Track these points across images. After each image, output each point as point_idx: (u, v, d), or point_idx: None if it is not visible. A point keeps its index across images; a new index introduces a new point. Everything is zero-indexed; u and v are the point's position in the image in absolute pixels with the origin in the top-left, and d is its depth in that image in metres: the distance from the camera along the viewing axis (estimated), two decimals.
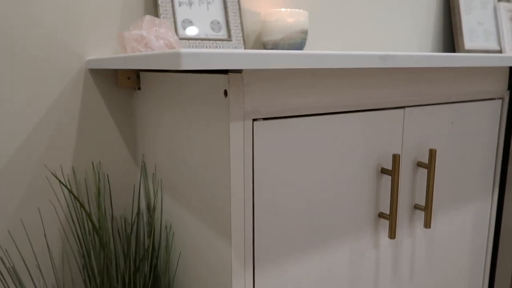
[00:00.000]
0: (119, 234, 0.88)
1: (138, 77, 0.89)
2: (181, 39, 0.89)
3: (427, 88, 0.78)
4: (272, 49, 0.99)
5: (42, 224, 0.83)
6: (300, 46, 1.00)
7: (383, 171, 0.74)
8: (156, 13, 0.88)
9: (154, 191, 0.85)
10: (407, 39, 1.38)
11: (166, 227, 0.82)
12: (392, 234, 0.73)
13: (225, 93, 0.56)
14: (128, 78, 0.89)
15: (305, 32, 0.99)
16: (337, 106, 0.66)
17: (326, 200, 0.68)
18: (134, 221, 0.87)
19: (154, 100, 0.81)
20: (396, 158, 0.71)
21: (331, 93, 0.65)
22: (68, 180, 0.85)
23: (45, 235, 0.84)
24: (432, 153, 0.76)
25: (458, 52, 1.40)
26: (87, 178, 0.88)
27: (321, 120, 0.64)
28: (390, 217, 0.73)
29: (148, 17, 0.80)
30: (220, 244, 0.62)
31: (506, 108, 0.92)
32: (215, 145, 0.60)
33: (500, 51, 1.51)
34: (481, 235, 0.96)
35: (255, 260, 0.62)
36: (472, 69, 0.85)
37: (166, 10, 0.88)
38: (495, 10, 1.51)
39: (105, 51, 0.88)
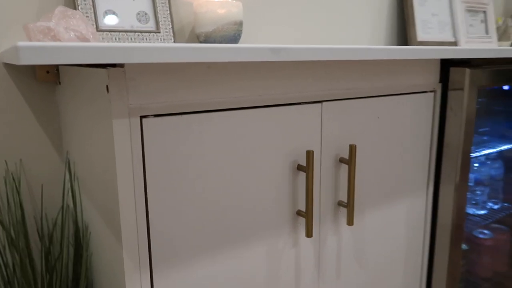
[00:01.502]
0: (38, 234, 0.85)
1: (58, 70, 0.86)
2: (102, 31, 0.86)
3: (350, 81, 0.76)
4: (204, 41, 0.96)
5: None
6: (234, 38, 0.97)
7: (300, 168, 0.72)
8: (74, 5, 0.85)
9: (73, 190, 0.82)
10: (359, 30, 1.35)
11: (84, 226, 0.80)
12: (309, 233, 0.71)
13: (107, 88, 0.53)
14: (48, 72, 0.86)
15: (238, 24, 0.96)
16: (241, 101, 0.63)
17: (235, 198, 0.65)
18: (55, 222, 0.84)
19: (71, 95, 0.78)
20: (309, 154, 0.69)
21: (233, 87, 0.62)
22: None
23: None
24: (352, 149, 0.74)
25: (411, 44, 1.38)
26: (7, 176, 0.84)
27: (222, 116, 0.62)
28: (306, 215, 0.71)
29: (60, 8, 0.77)
30: (116, 246, 0.60)
31: (438, 101, 0.90)
32: (104, 143, 0.57)
33: (455, 43, 1.49)
34: (416, 231, 0.95)
35: (152, 262, 0.60)
36: (401, 61, 0.83)
37: (84, 0, 0.84)
38: (450, 0, 1.49)
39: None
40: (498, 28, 1.70)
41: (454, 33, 1.49)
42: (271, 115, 0.67)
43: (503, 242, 1.23)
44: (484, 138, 1.22)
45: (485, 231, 1.21)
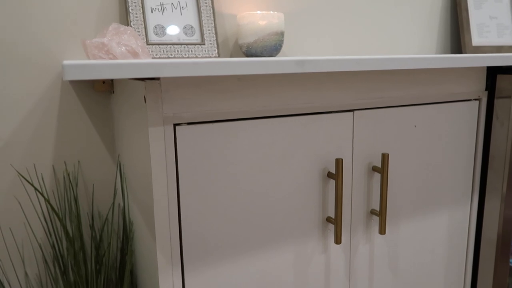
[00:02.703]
0: (90, 228, 0.94)
1: (112, 81, 0.94)
2: (151, 44, 0.93)
3: (383, 90, 0.76)
4: (246, 51, 1.00)
5: (25, 215, 0.91)
6: (275, 48, 1.00)
7: (330, 175, 0.73)
8: (127, 20, 0.93)
9: (123, 190, 0.90)
10: (407, 39, 1.33)
11: (130, 223, 0.87)
12: (338, 239, 0.72)
13: (144, 99, 0.58)
14: (103, 82, 0.94)
15: (279, 34, 0.99)
16: (272, 110, 0.66)
17: (264, 203, 0.68)
18: (105, 219, 0.92)
19: (122, 103, 0.86)
20: (339, 162, 0.70)
21: (263, 97, 0.65)
22: (43, 180, 0.91)
23: (30, 225, 0.91)
24: (385, 158, 0.74)
25: (465, 49, 1.32)
26: (65, 177, 0.94)
27: (253, 124, 0.65)
28: (336, 221, 0.72)
29: (114, 25, 0.85)
30: (151, 244, 0.65)
31: (484, 109, 0.86)
32: (143, 149, 0.63)
33: None
34: (458, 244, 0.92)
35: (183, 261, 0.64)
36: (442, 70, 0.81)
37: (136, 17, 0.92)
38: (511, 2, 1.41)
39: (82, 56, 0.93)
40: None
41: None
42: (302, 123, 0.69)
43: None
44: None
45: None
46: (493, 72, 0.85)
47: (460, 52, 1.45)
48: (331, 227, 0.75)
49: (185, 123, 0.61)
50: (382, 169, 0.75)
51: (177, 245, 0.63)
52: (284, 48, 1.14)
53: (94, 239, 0.86)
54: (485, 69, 0.86)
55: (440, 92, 0.82)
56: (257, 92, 0.65)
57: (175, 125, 0.60)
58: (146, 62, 0.48)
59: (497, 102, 0.84)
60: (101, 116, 0.97)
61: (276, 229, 0.70)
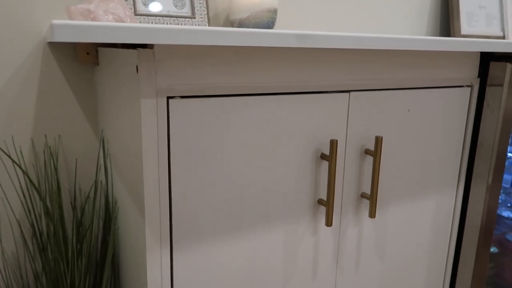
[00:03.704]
0: (71, 205, 0.90)
1: (97, 52, 0.90)
2: (139, 15, 0.88)
3: (380, 72, 0.74)
4: (238, 27, 0.97)
5: (2, 189, 0.86)
6: (267, 25, 0.97)
7: (323, 157, 0.72)
8: None
9: (106, 166, 0.86)
10: (400, 22, 1.32)
11: (113, 201, 0.84)
12: (328, 222, 0.71)
13: (137, 68, 0.55)
14: (88, 53, 0.90)
15: (272, 11, 0.96)
16: (267, 87, 0.64)
17: (256, 182, 0.67)
18: (87, 196, 0.88)
19: (108, 76, 0.82)
20: (333, 144, 0.69)
21: (259, 73, 0.63)
22: (21, 153, 0.87)
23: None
24: (378, 141, 0.73)
25: (454, 37, 1.32)
26: (45, 150, 0.90)
27: (248, 101, 0.63)
28: (327, 204, 0.71)
29: None
30: (139, 222, 0.62)
31: (475, 96, 0.87)
32: (133, 122, 0.60)
33: (503, 38, 1.42)
34: (442, 230, 0.93)
35: (172, 239, 0.62)
36: (437, 54, 0.80)
37: None
38: None
39: None
40: None
41: (503, 27, 1.42)
42: (297, 102, 0.67)
43: None
44: None
45: None
46: (486, 59, 0.85)
47: None
48: (322, 209, 0.74)
49: (178, 96, 0.58)
50: (375, 152, 0.74)
51: (166, 223, 0.61)
52: (275, 27, 1.11)
53: (76, 217, 0.83)
54: (479, 55, 0.85)
55: (434, 77, 0.81)
56: (253, 68, 0.62)
57: (168, 98, 0.57)
58: (144, 27, 0.45)
59: (488, 90, 0.85)
60: (84, 89, 0.92)
61: (268, 210, 0.69)
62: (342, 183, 0.76)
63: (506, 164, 1.13)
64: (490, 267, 1.08)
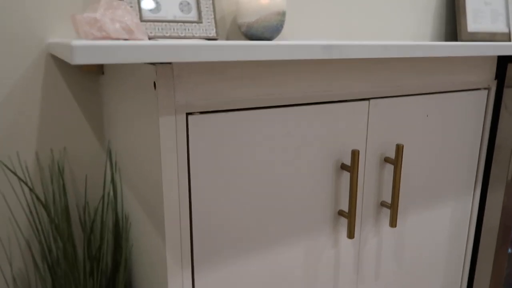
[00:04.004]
0: (80, 222, 0.87)
1: None
2: (145, 21, 0.85)
3: (398, 78, 0.72)
4: (246, 31, 0.94)
5: (9, 208, 0.83)
6: (276, 28, 0.94)
7: (343, 167, 0.70)
8: None
9: (114, 180, 0.83)
10: (405, 20, 1.29)
11: (124, 217, 0.81)
12: (351, 234, 0.69)
13: (154, 85, 0.52)
14: None
15: (281, 14, 0.94)
16: (286, 98, 0.61)
17: (277, 196, 0.64)
18: (96, 210, 0.85)
19: (115, 86, 0.78)
20: (355, 154, 0.66)
21: (280, 85, 0.60)
22: (27, 169, 0.84)
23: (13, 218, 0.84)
24: (399, 149, 0.71)
25: (460, 35, 1.31)
26: (51, 164, 0.86)
27: (267, 113, 0.60)
28: (349, 215, 0.69)
29: None
30: (158, 242, 0.60)
31: (492, 99, 0.85)
32: (149, 138, 0.57)
33: (509, 34, 1.40)
34: (460, 234, 0.91)
35: (194, 260, 0.60)
36: (456, 58, 0.78)
37: None
38: None
39: (67, 34, 0.85)
40: None
41: (508, 23, 1.40)
42: (317, 112, 0.65)
43: None
44: None
45: None
46: (503, 61, 0.83)
47: (455, 38, 1.43)
48: (343, 220, 0.72)
49: (198, 112, 0.56)
50: (396, 160, 0.72)
51: (187, 244, 0.59)
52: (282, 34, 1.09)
53: (86, 234, 0.80)
54: (496, 58, 0.83)
55: (451, 81, 0.79)
56: (274, 80, 0.60)
57: (187, 114, 0.55)
58: (166, 45, 0.42)
59: (506, 91, 0.83)
60: (89, 99, 0.89)
61: (289, 224, 0.67)
62: (362, 192, 0.74)
63: None
64: (506, 267, 1.06)
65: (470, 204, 0.90)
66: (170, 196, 0.55)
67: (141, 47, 0.40)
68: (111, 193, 0.85)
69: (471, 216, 0.91)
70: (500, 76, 0.84)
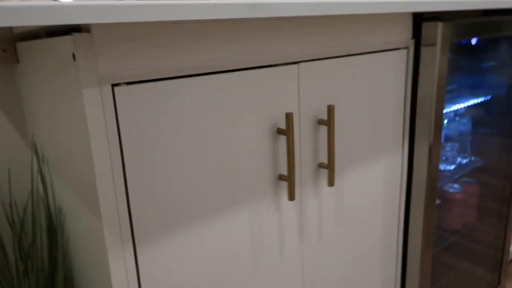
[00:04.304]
0: (8, 221, 0.81)
1: (16, 49, 0.80)
2: None
3: (325, 40, 0.74)
4: None
5: None
6: None
7: (279, 131, 0.71)
8: None
9: (42, 173, 0.78)
10: None
11: (57, 210, 0.76)
12: (291, 196, 0.71)
13: (73, 56, 0.49)
14: (4, 50, 0.80)
15: None
16: (215, 65, 0.61)
17: (215, 165, 0.64)
18: (25, 207, 0.80)
19: (33, 73, 0.73)
20: (289, 117, 0.68)
21: (207, 51, 0.59)
22: None
23: None
24: (331, 109, 0.74)
25: None
26: None
27: (197, 81, 0.59)
28: (289, 178, 0.70)
29: None
30: (95, 224, 0.57)
31: (412, 57, 0.90)
32: (75, 117, 0.54)
33: None
34: (393, 188, 0.97)
35: (134, 236, 0.58)
36: (374, 17, 0.82)
37: None
38: None
39: None
40: None
41: None
42: (247, 78, 0.65)
43: (472, 195, 1.28)
44: (452, 94, 1.25)
45: (455, 185, 1.26)
46: (418, 21, 0.88)
47: None
48: (283, 184, 0.73)
49: (124, 83, 0.53)
50: (328, 121, 0.74)
51: (126, 221, 0.56)
52: None
53: (15, 234, 0.74)
54: (411, 17, 0.88)
55: (373, 41, 0.83)
56: (202, 46, 0.59)
57: (113, 85, 0.52)
58: (77, 5, 0.39)
59: (423, 50, 0.88)
60: (5, 91, 0.82)
61: (229, 192, 0.67)
62: (300, 155, 0.76)
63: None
64: (435, 217, 1.15)
65: (400, 158, 0.96)
66: (103, 173, 0.53)
67: (46, 7, 0.37)
68: (40, 187, 0.80)
69: (402, 170, 0.97)
70: (416, 35, 0.89)
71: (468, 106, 1.21)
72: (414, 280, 1.03)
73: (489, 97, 1.23)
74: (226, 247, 0.68)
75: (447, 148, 1.23)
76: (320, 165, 0.79)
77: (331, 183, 0.77)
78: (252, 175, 0.69)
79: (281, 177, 0.73)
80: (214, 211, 0.65)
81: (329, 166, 0.76)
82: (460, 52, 1.17)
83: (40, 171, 0.79)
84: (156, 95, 0.56)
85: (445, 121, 1.21)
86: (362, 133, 0.85)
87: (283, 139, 0.71)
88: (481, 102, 1.23)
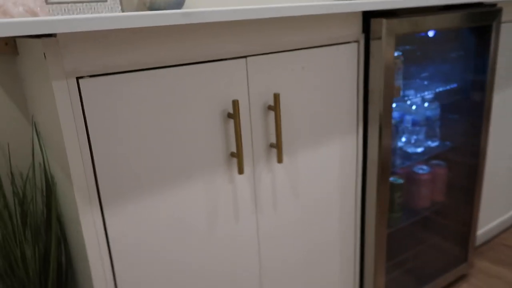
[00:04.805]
0: (13, 189, 0.97)
1: (16, 42, 0.95)
2: (51, 3, 0.94)
3: (271, 37, 0.85)
4: (149, 8, 1.04)
5: None
6: (177, 3, 1.05)
7: (230, 115, 0.83)
8: None
9: (41, 147, 0.94)
10: None
11: (51, 177, 0.92)
12: (240, 170, 0.84)
13: (44, 55, 0.63)
14: (6, 44, 0.95)
15: None
16: (167, 61, 0.73)
17: (172, 145, 0.77)
18: (27, 177, 0.96)
19: (27, 64, 0.88)
20: (235, 104, 0.80)
21: (162, 49, 0.72)
22: None
23: None
24: (276, 97, 0.85)
25: None
26: None
27: (152, 74, 0.72)
28: (238, 155, 0.83)
29: None
30: (69, 188, 0.72)
31: (362, 50, 1.00)
32: (50, 103, 0.68)
33: None
34: (350, 167, 1.08)
35: (101, 200, 0.72)
36: (323, 15, 0.92)
37: None
38: None
39: None
40: None
41: None
42: (199, 71, 0.77)
43: (440, 175, 1.37)
44: (420, 81, 1.33)
45: (424, 167, 1.35)
46: (367, 17, 0.98)
47: None
48: (235, 160, 0.86)
49: (87, 75, 0.67)
50: (275, 107, 0.86)
51: (93, 188, 0.71)
52: (186, 4, 1.19)
53: (16, 195, 0.90)
54: (361, 14, 0.98)
55: (326, 36, 0.93)
56: (153, 44, 0.71)
57: (78, 78, 0.66)
58: (39, 20, 0.53)
59: (372, 43, 0.98)
60: (9, 78, 0.97)
61: (186, 166, 0.80)
62: (251, 136, 0.88)
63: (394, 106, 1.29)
64: (398, 196, 1.25)
65: (355, 141, 1.07)
66: (72, 149, 0.67)
67: (15, 23, 0.51)
68: (40, 159, 0.96)
69: (357, 152, 1.08)
70: (366, 30, 0.99)
71: (435, 92, 1.29)
72: (371, 254, 1.15)
73: (454, 85, 1.30)
74: (184, 212, 0.82)
75: (415, 132, 1.32)
76: (272, 145, 0.91)
77: (279, 160, 0.89)
78: (206, 152, 0.82)
79: (233, 154, 0.86)
80: (173, 181, 0.79)
81: (277, 146, 0.88)
82: (424, 44, 1.25)
83: (40, 145, 0.94)
84: (115, 85, 0.69)
85: (413, 107, 1.30)
86: (314, 118, 0.97)
87: (233, 122, 0.84)
88: (448, 88, 1.31)
